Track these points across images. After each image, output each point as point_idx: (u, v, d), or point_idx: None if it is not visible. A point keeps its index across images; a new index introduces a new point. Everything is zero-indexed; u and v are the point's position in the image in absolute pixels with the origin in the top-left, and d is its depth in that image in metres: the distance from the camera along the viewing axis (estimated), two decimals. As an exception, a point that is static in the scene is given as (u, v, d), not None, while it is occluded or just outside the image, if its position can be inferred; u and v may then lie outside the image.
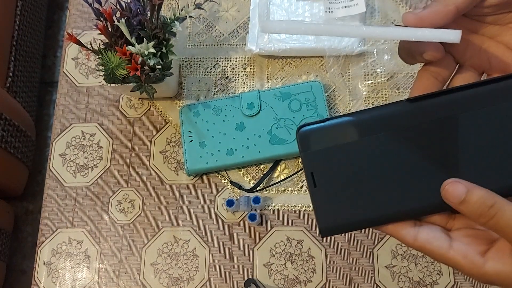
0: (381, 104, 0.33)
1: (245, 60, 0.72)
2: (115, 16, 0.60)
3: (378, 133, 0.31)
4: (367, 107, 0.35)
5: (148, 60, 0.59)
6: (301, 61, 0.71)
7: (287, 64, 0.71)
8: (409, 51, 0.34)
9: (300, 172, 0.65)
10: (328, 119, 0.32)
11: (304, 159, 0.32)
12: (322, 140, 0.32)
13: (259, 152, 0.64)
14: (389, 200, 0.31)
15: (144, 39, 0.59)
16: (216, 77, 0.72)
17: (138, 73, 0.58)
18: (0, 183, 1.18)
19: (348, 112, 0.68)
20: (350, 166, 0.31)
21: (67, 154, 0.70)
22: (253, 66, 0.72)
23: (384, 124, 0.32)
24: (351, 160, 0.31)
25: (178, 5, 0.76)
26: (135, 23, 0.61)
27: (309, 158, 0.32)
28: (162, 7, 0.70)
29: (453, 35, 0.29)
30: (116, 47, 0.59)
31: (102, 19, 0.60)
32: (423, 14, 0.32)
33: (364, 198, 0.31)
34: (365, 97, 0.68)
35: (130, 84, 0.61)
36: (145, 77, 0.59)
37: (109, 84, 0.62)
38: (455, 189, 0.29)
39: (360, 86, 0.69)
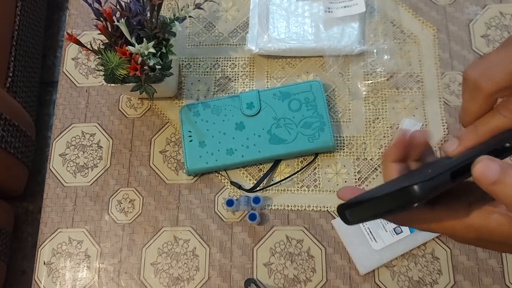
0: None
1: (244, 60, 0.72)
2: (115, 16, 0.60)
3: None
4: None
5: (148, 60, 0.59)
6: (301, 61, 0.71)
7: (287, 64, 0.71)
8: None
9: (300, 171, 0.65)
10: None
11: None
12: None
13: (259, 152, 0.64)
14: None
15: (144, 39, 0.59)
16: (215, 77, 0.72)
17: (138, 73, 0.58)
18: (0, 183, 1.18)
19: (348, 112, 0.68)
20: None
21: (67, 154, 0.70)
22: (253, 66, 0.72)
23: None
24: None
25: (177, 5, 0.76)
26: (135, 23, 0.61)
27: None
28: (162, 7, 0.70)
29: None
30: (116, 47, 0.59)
31: (102, 19, 0.60)
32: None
33: None
34: (365, 97, 0.68)
35: (130, 84, 0.61)
36: (145, 77, 0.59)
37: (109, 84, 0.62)
38: (487, 167, 0.26)
39: (359, 86, 0.69)
